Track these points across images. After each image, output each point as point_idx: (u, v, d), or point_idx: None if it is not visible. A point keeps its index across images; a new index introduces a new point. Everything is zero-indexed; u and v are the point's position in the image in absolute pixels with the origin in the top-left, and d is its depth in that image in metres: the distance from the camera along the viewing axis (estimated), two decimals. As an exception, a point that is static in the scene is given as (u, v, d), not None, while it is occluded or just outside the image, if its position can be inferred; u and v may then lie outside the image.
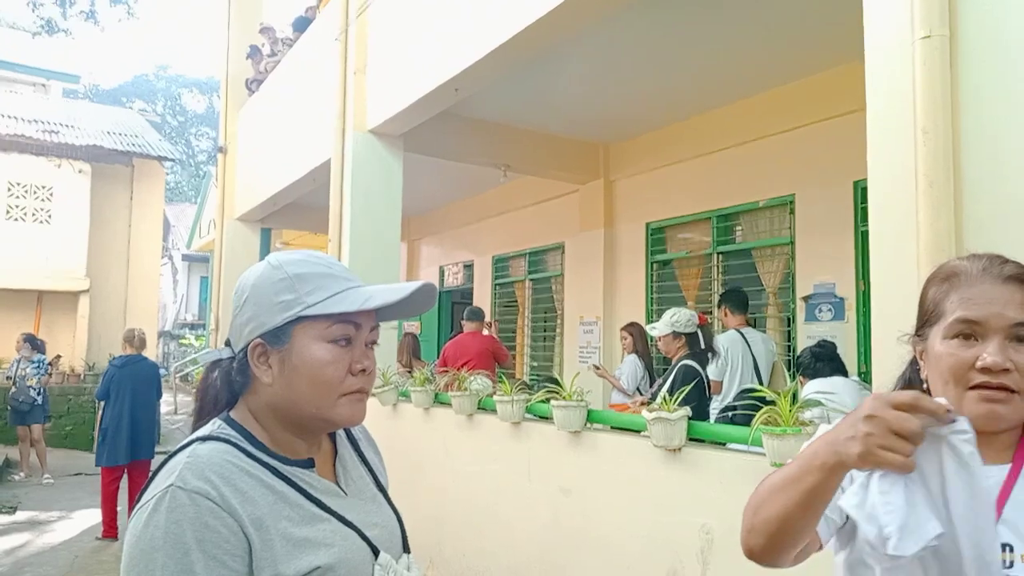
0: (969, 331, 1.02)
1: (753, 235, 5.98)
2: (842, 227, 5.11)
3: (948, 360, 1.03)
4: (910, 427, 0.86)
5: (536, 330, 8.74)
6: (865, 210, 4.86)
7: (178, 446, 1.03)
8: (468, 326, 6.78)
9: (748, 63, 5.16)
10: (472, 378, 5.19)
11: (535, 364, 8.64)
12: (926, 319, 1.11)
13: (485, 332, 7.11)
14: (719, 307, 5.16)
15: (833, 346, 3.79)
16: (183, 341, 21.45)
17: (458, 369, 5.76)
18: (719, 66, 5.23)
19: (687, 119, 6.25)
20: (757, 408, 2.52)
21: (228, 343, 1.11)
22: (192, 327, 23.53)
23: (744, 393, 3.24)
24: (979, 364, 0.99)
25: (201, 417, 1.11)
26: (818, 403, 2.58)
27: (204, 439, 1.02)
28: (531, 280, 8.74)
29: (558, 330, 8.17)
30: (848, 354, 4.66)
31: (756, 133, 5.66)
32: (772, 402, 2.42)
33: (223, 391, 1.10)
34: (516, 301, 9.05)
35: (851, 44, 4.05)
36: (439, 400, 5.26)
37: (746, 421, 2.90)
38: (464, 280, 10.18)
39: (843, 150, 4.95)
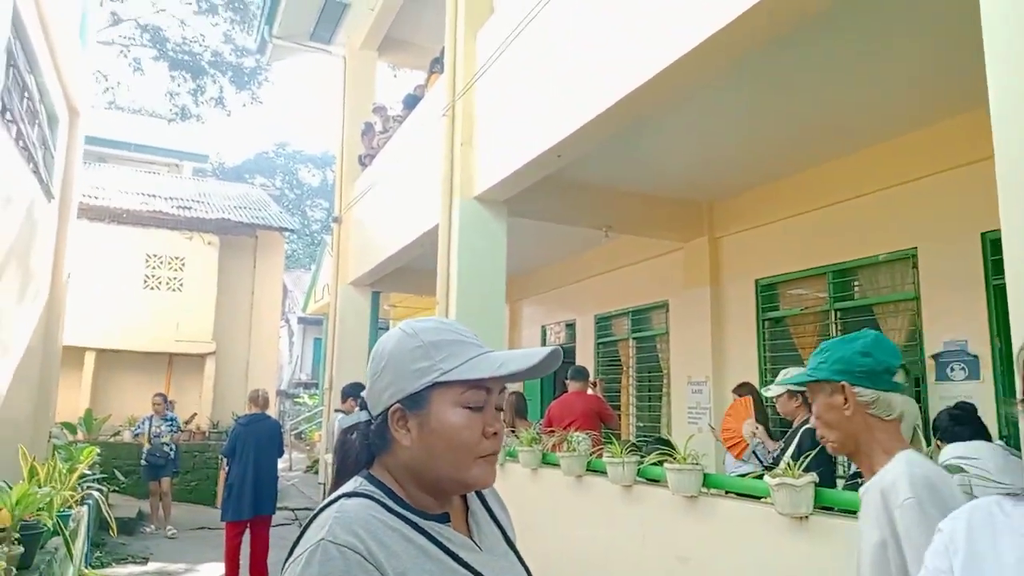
0: None
1: (874, 290, 5.71)
2: (971, 281, 4.82)
3: None
4: None
5: (641, 390, 8.59)
6: (996, 263, 4.61)
7: (325, 501, 1.09)
8: (573, 385, 6.75)
9: (863, 115, 5.04)
10: (580, 438, 5.15)
11: (641, 425, 8.47)
12: None
13: (590, 392, 7.06)
14: None
15: (973, 408, 3.54)
16: (298, 400, 22.39)
17: (564, 429, 5.73)
18: (832, 119, 5.14)
19: (797, 173, 6.13)
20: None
21: (364, 406, 1.16)
22: (306, 386, 24.57)
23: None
24: None
25: (341, 476, 1.16)
26: (959, 469, 2.40)
27: (349, 495, 1.07)
28: (634, 339, 8.65)
29: (664, 390, 8.00)
30: (987, 415, 4.33)
31: (873, 185, 5.48)
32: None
33: (362, 452, 1.15)
34: (619, 360, 8.96)
35: (972, 92, 3.91)
36: (546, 461, 5.23)
37: (878, 488, 2.73)
38: (566, 339, 10.19)
39: (968, 201, 4.72)
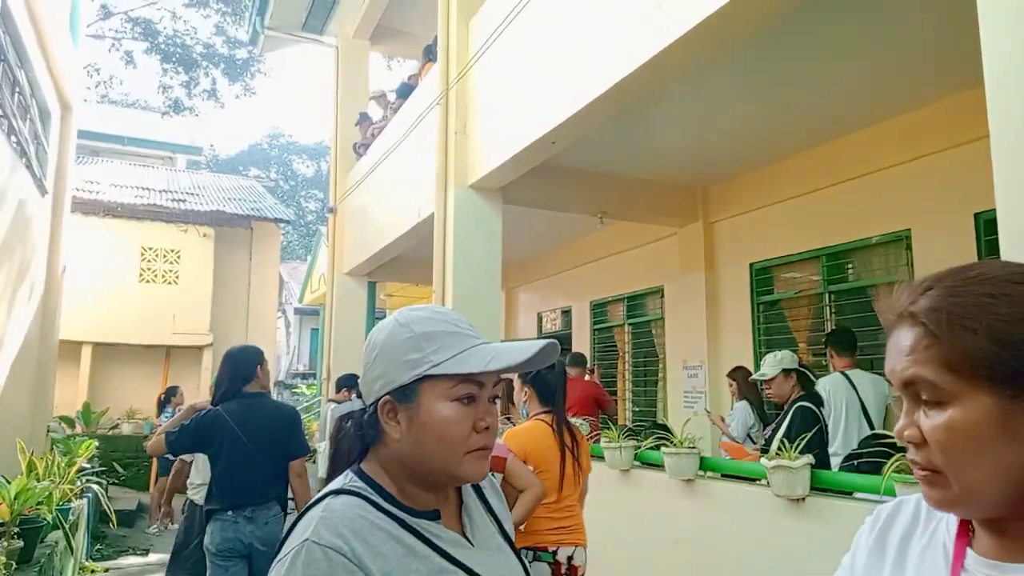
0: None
1: (868, 273, 5.73)
2: (965, 261, 4.81)
3: None
4: None
5: (637, 375, 8.62)
6: (990, 243, 4.63)
7: (314, 498, 1.08)
8: (570, 372, 6.76)
9: (856, 98, 5.03)
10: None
11: (637, 410, 8.51)
12: None
13: (588, 378, 7.08)
14: (825, 348, 4.94)
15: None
16: (296, 390, 22.41)
17: (562, 416, 5.75)
18: (825, 102, 5.13)
19: (790, 156, 6.12)
20: (885, 455, 2.40)
21: (360, 395, 1.15)
22: (304, 377, 24.57)
23: (870, 439, 3.08)
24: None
25: (335, 467, 1.15)
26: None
27: (337, 492, 1.07)
28: (630, 325, 8.67)
29: (660, 375, 8.03)
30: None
31: (866, 167, 5.48)
32: (904, 449, 2.30)
33: (356, 442, 1.14)
34: (616, 346, 8.98)
35: (964, 72, 3.91)
36: (545, 448, 5.25)
37: (872, 469, 2.76)
38: (562, 326, 10.21)
39: (961, 181, 4.73)
